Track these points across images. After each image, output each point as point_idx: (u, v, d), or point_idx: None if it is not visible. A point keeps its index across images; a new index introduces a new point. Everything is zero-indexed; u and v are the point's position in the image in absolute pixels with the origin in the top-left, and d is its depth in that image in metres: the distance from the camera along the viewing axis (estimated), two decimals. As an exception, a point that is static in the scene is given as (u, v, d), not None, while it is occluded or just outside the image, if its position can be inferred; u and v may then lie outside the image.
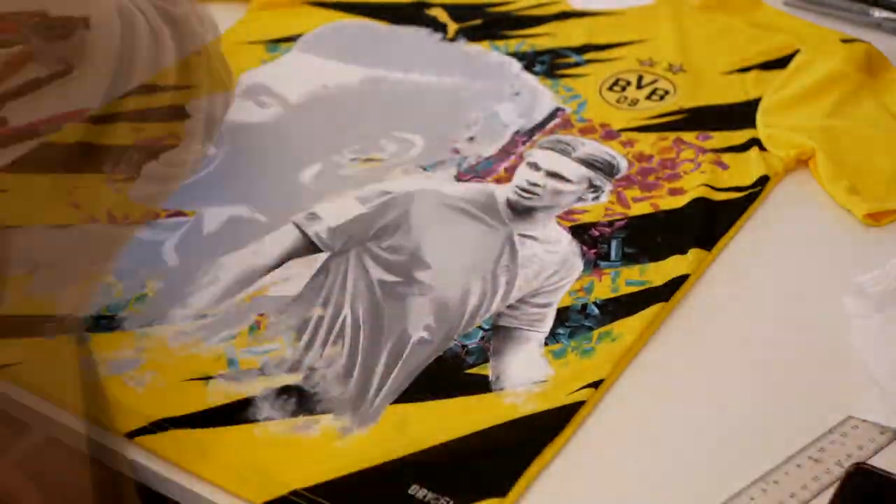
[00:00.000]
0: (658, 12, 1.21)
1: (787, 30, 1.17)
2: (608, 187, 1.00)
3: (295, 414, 0.81)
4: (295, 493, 0.76)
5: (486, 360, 0.85)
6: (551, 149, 1.04)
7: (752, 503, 0.76)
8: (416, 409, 0.82)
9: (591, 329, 0.87)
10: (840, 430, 0.80)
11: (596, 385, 0.83)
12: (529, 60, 1.16)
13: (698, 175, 1.00)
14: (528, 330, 0.88)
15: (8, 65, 1.16)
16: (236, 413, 0.82)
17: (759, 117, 1.06)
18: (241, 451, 0.79)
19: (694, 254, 0.93)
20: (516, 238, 0.95)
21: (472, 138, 1.06)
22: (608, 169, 1.02)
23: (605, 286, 0.91)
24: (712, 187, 0.99)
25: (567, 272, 0.92)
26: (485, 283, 0.91)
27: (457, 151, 1.05)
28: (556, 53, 1.17)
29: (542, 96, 1.11)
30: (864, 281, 0.87)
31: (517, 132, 1.07)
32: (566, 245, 0.94)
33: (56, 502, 0.78)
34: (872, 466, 0.76)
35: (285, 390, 0.83)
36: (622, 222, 0.97)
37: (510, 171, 1.02)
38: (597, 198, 0.99)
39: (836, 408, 0.82)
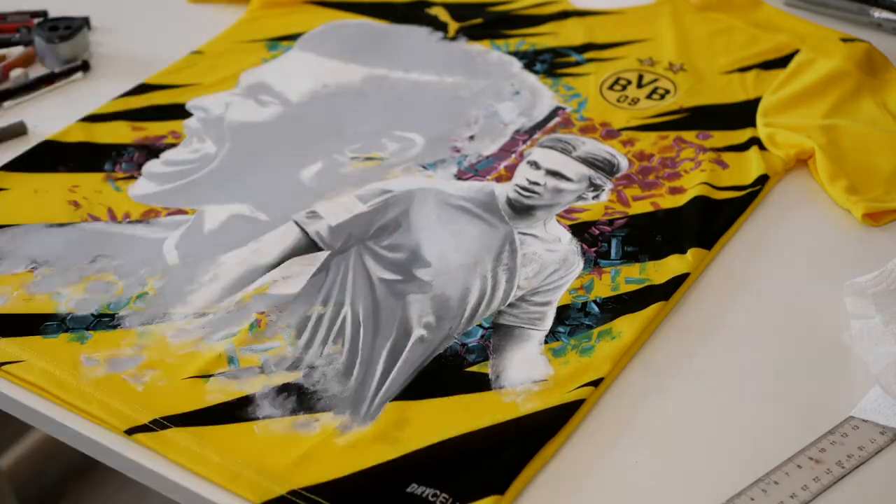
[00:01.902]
0: (658, 12, 1.21)
1: (787, 29, 1.17)
2: (608, 186, 1.00)
3: (295, 412, 0.81)
4: (294, 492, 0.76)
5: (486, 359, 0.85)
6: (552, 147, 1.04)
7: (753, 503, 0.76)
8: (415, 407, 0.82)
9: (591, 327, 0.87)
10: (840, 431, 0.80)
11: (596, 383, 0.83)
12: (530, 59, 1.16)
13: (698, 174, 1.01)
14: (529, 328, 0.88)
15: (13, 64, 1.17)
16: (236, 411, 0.81)
17: (759, 117, 1.06)
18: (240, 449, 0.79)
19: (694, 252, 0.93)
20: (516, 236, 0.95)
21: (472, 137, 1.07)
22: (608, 168, 1.02)
23: (605, 285, 0.91)
24: (712, 186, 0.99)
25: (567, 270, 0.92)
26: (485, 281, 0.91)
27: (457, 150, 1.05)
28: (556, 52, 1.17)
29: (543, 95, 1.11)
30: (863, 281, 0.87)
31: (517, 131, 1.07)
32: (566, 243, 0.95)
33: None
34: None
35: (285, 388, 0.83)
36: (622, 221, 0.97)
37: (510, 169, 1.02)
38: (597, 196, 0.99)
39: (836, 408, 0.82)
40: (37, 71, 1.17)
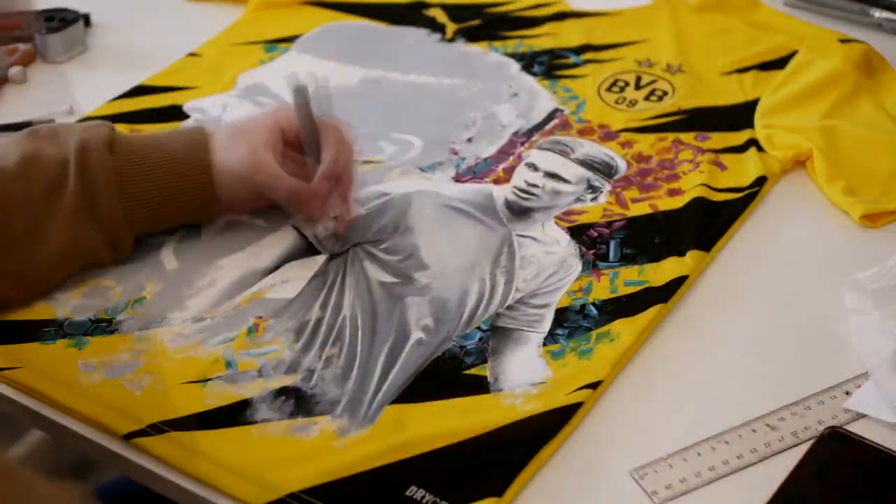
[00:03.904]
0: (656, 13, 1.21)
1: (786, 30, 1.17)
2: (607, 188, 1.00)
3: (293, 415, 0.81)
4: (292, 495, 0.76)
5: (485, 361, 0.85)
6: (550, 150, 1.04)
7: (699, 458, 0.77)
8: (414, 410, 0.81)
9: (589, 330, 0.87)
10: (805, 404, 0.81)
11: (594, 386, 0.83)
12: (528, 61, 1.16)
13: (697, 175, 1.00)
14: (527, 331, 0.87)
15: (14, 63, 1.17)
16: (234, 415, 0.81)
17: (758, 118, 1.06)
18: (238, 453, 0.79)
19: (692, 255, 0.93)
20: (515, 238, 0.95)
21: (470, 139, 1.06)
22: (607, 170, 1.02)
23: (604, 287, 0.91)
24: (711, 188, 0.99)
25: (565, 273, 0.92)
26: (483, 283, 0.91)
27: (455, 152, 1.05)
28: (554, 54, 1.17)
29: (541, 97, 1.11)
30: (863, 277, 0.88)
31: (516, 133, 1.07)
32: (565, 246, 0.94)
33: None
34: (847, 430, 0.77)
35: (283, 392, 0.83)
36: (621, 223, 0.97)
37: (508, 171, 1.02)
38: (595, 198, 0.99)
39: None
40: (36, 68, 1.17)
